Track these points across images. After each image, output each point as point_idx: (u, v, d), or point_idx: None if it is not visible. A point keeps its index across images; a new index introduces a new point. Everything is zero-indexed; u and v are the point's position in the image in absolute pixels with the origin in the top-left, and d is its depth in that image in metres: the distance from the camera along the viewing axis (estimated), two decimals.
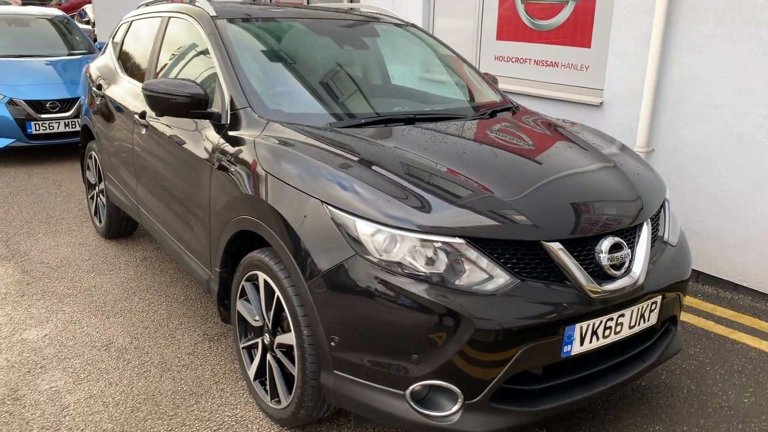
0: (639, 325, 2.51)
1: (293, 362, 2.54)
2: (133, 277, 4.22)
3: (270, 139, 2.71)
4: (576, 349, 2.33)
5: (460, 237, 2.19)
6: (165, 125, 3.43)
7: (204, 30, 3.36)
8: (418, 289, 2.14)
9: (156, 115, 3.09)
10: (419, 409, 2.22)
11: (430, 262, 2.18)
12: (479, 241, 2.21)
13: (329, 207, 2.31)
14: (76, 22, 7.98)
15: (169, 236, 3.55)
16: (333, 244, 2.28)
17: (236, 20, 3.45)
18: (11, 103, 6.93)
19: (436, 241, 2.19)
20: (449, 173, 2.47)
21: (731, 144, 4.02)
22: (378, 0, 6.47)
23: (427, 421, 2.22)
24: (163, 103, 2.98)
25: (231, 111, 2.98)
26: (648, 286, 2.48)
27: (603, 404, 2.96)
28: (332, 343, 2.30)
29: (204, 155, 3.02)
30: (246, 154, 2.73)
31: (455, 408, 2.21)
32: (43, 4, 31.53)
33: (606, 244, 2.38)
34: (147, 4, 4.58)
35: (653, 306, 2.54)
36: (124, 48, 4.50)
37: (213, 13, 3.45)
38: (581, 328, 2.30)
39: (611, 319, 2.38)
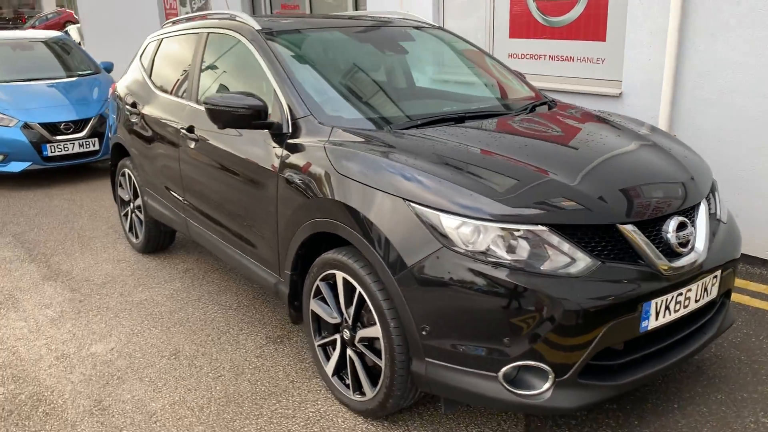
0: (703, 298, 2.67)
1: (377, 354, 2.66)
2: (181, 289, 4.31)
3: (340, 144, 2.83)
4: (652, 323, 2.47)
5: (542, 224, 2.33)
6: (219, 138, 3.53)
7: (252, 44, 3.48)
8: (507, 276, 2.27)
9: (218, 127, 3.20)
10: (512, 389, 2.35)
11: (514, 249, 2.31)
12: (560, 227, 2.35)
13: (413, 204, 2.43)
14: None
15: (227, 245, 3.65)
16: (419, 238, 2.40)
17: (281, 33, 3.57)
18: (26, 126, 6.97)
19: (519, 230, 2.32)
20: (519, 164, 2.61)
21: (749, 126, 4.20)
22: (385, 1, 6.61)
23: (520, 400, 2.35)
24: (225, 115, 3.10)
25: (292, 120, 3.10)
26: (709, 262, 2.64)
27: (663, 379, 3.10)
28: (423, 332, 2.43)
29: (268, 164, 3.13)
30: (317, 160, 2.85)
31: (546, 386, 2.34)
32: (16, 28, 31.46)
33: (673, 224, 2.53)
34: (174, 23, 4.68)
35: (714, 280, 2.70)
36: (156, 66, 4.59)
37: (258, 27, 3.57)
38: (656, 303, 2.44)
39: (680, 294, 2.53)
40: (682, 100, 4.52)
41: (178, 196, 4.14)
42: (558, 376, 2.33)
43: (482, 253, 2.32)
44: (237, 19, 3.77)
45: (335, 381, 2.98)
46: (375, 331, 2.63)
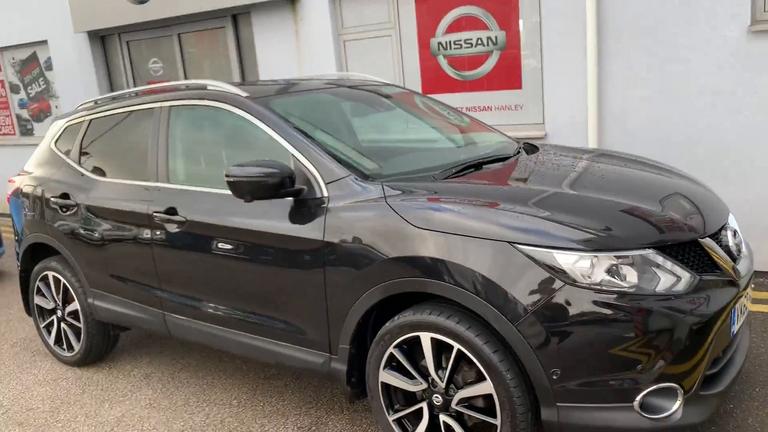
0: (749, 302, 2.91)
1: (486, 413, 2.54)
2: (159, 396, 3.76)
3: (405, 199, 2.70)
4: (735, 328, 2.64)
5: (648, 247, 2.41)
6: (221, 215, 3.19)
7: (248, 112, 3.23)
8: (630, 302, 2.30)
9: (245, 201, 2.91)
10: (648, 416, 2.35)
11: (627, 276, 2.35)
12: (662, 249, 2.44)
13: (521, 246, 2.39)
14: None
15: (244, 333, 3.26)
16: (537, 280, 2.35)
17: (270, 97, 3.38)
18: None
19: (628, 256, 2.37)
20: (597, 197, 2.68)
21: (676, 151, 4.74)
22: (281, 66, 6.54)
23: (657, 424, 2.36)
24: (252, 186, 2.84)
25: (327, 182, 2.91)
26: (750, 268, 2.90)
27: None
28: (554, 377, 2.36)
29: (306, 234, 2.88)
30: (383, 219, 2.68)
31: (677, 404, 2.37)
32: None
33: (729, 233, 2.76)
34: (96, 102, 4.23)
35: (752, 284, 2.96)
36: (87, 150, 4.07)
37: (245, 94, 3.34)
38: (737, 308, 2.62)
39: (746, 297, 2.74)
40: (609, 134, 4.98)
41: (150, 290, 3.65)
42: (686, 393, 2.38)
43: (599, 284, 2.33)
44: (212, 88, 3.50)
45: None
46: (484, 387, 2.50)
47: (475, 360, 2.49)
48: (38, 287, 4.40)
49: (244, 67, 7.16)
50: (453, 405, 2.62)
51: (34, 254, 4.46)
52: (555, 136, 5.21)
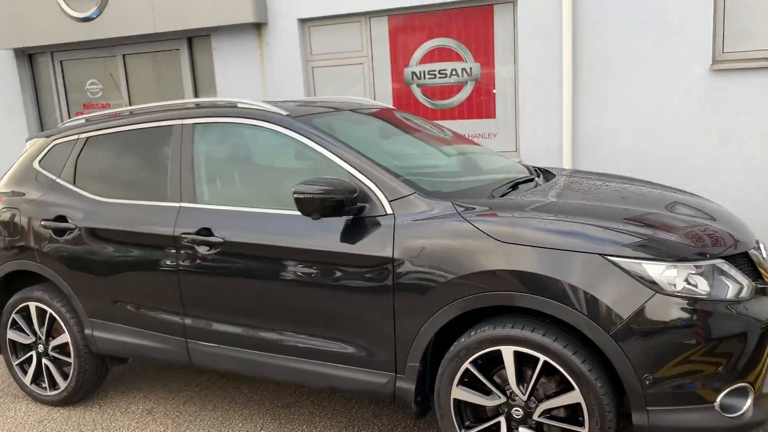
0: None
1: (571, 422, 2.61)
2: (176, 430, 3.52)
3: (482, 214, 2.76)
4: None
5: (719, 257, 2.61)
6: (270, 236, 3.09)
7: (292, 130, 3.17)
8: (713, 308, 2.48)
9: (313, 218, 2.86)
10: (726, 415, 2.53)
11: (699, 284, 2.54)
12: (727, 259, 2.66)
13: (612, 258, 2.51)
14: None
15: (287, 357, 3.14)
16: (629, 290, 2.48)
17: (308, 116, 3.34)
18: None
19: (702, 266, 2.56)
20: (657, 212, 2.88)
21: (644, 176, 5.12)
22: (232, 90, 6.42)
23: (732, 422, 2.53)
24: (320, 204, 2.80)
25: (390, 200, 2.91)
26: None
27: None
28: (647, 382, 2.48)
29: (371, 252, 2.85)
30: (462, 234, 2.71)
31: (749, 403, 2.56)
32: None
33: (762, 245, 3.04)
34: (89, 120, 3.97)
35: None
36: (85, 170, 3.79)
37: (285, 112, 3.29)
38: None
39: None
40: (582, 162, 5.30)
41: (171, 316, 3.43)
42: (755, 392, 2.58)
43: (681, 292, 2.50)
44: (243, 106, 3.41)
45: None
46: (572, 397, 2.58)
47: (563, 370, 2.56)
48: (13, 320, 3.99)
49: (198, 91, 6.95)
50: (535, 417, 2.67)
51: (6, 285, 4.06)
52: (529, 162, 5.47)
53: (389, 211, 2.90)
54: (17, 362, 4.04)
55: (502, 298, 2.64)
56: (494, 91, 5.63)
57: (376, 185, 2.96)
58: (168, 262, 3.36)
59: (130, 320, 3.58)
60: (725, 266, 2.60)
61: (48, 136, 4.06)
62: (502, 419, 2.75)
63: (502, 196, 3.07)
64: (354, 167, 3.02)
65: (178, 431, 3.52)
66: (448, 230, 2.76)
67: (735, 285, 2.59)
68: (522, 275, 2.59)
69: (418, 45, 5.80)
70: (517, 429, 2.72)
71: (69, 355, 3.84)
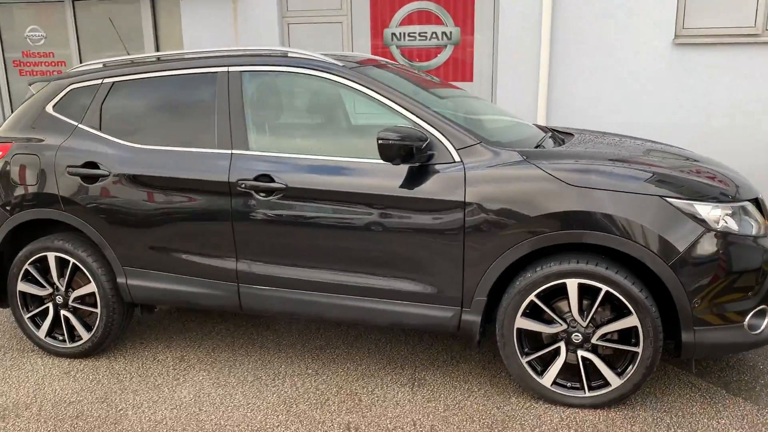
0: None
1: (624, 342, 3.01)
2: (218, 376, 3.57)
3: (552, 160, 3.05)
4: None
5: (746, 200, 3.08)
6: (339, 181, 3.22)
7: (357, 81, 3.29)
8: (751, 242, 2.94)
9: (394, 164, 3.03)
10: (751, 332, 3.01)
11: (730, 223, 2.99)
12: (751, 202, 3.13)
13: (669, 199, 2.90)
14: None
15: (351, 297, 3.30)
16: (684, 227, 2.88)
17: (365, 67, 3.47)
18: None
19: (736, 207, 3.01)
20: (689, 161, 3.30)
21: None
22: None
23: (755, 338, 3.02)
24: (401, 150, 2.99)
25: (458, 148, 3.13)
26: None
27: None
28: (695, 306, 2.90)
29: (444, 196, 3.06)
30: (535, 179, 2.99)
31: (766, 322, 3.07)
32: None
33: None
34: (120, 64, 3.84)
35: None
36: (113, 116, 3.69)
37: (341, 63, 3.39)
38: None
39: None
40: (557, 125, 5.72)
41: (222, 261, 3.47)
42: None
43: (721, 228, 2.93)
44: (294, 55, 3.47)
45: (556, 388, 3.13)
46: (630, 321, 2.96)
47: (623, 299, 2.93)
48: (26, 272, 3.84)
49: (160, 46, 6.70)
50: (593, 340, 3.03)
51: (16, 235, 3.89)
52: None
53: (457, 158, 3.12)
54: (29, 315, 3.90)
55: (573, 237, 2.96)
56: (473, 55, 5.92)
57: (443, 135, 3.16)
58: (221, 208, 3.40)
59: (171, 267, 3.58)
60: (750, 208, 3.06)
61: (63, 80, 3.88)
62: (561, 344, 3.09)
63: (547, 147, 3.37)
64: (420, 118, 3.20)
65: (221, 376, 3.59)
66: (521, 176, 3.03)
67: (755, 224, 3.06)
68: (593, 215, 2.92)
69: (400, 6, 5.96)
70: (575, 352, 3.07)
71: (94, 306, 3.77)
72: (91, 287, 3.73)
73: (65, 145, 3.71)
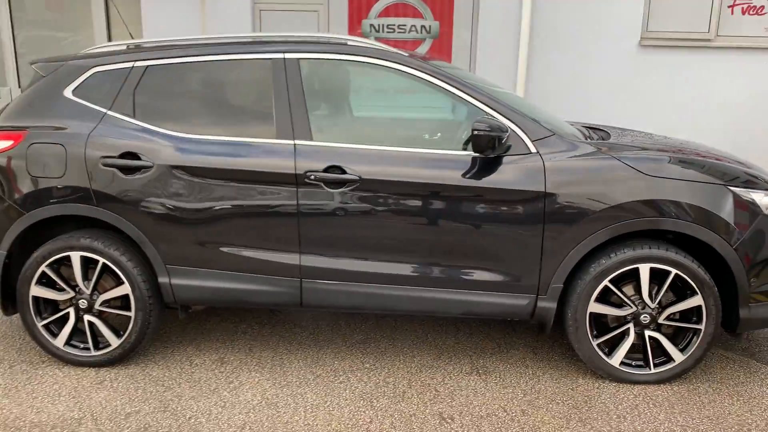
0: None
1: (685, 319, 3.26)
2: (273, 377, 3.43)
3: (625, 152, 3.23)
4: None
5: None
6: (411, 174, 3.19)
7: (425, 72, 3.29)
8: None
9: (485, 154, 3.10)
10: None
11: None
12: None
13: (732, 188, 3.17)
14: None
15: (423, 288, 3.29)
16: (744, 213, 3.17)
17: (427, 59, 3.47)
18: None
19: None
20: (725, 157, 3.60)
21: None
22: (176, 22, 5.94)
23: None
24: (492, 141, 3.07)
25: (533, 140, 3.23)
26: None
27: None
28: (752, 283, 3.20)
29: (526, 186, 3.14)
30: (612, 170, 3.15)
31: None
32: None
33: None
34: (159, 47, 3.54)
35: None
36: (150, 103, 3.41)
37: (406, 53, 3.37)
38: None
39: None
40: None
41: (283, 256, 3.32)
42: None
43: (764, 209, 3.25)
44: (356, 43, 3.40)
45: (623, 368, 3.32)
46: (695, 301, 3.20)
47: (690, 280, 3.17)
48: (42, 274, 3.46)
49: (112, 35, 6.20)
50: (660, 320, 3.25)
51: (27, 234, 3.50)
52: None
53: (533, 150, 3.21)
54: (43, 323, 3.52)
55: (650, 224, 3.15)
56: (452, 49, 6.04)
57: (518, 126, 3.24)
58: (285, 201, 3.26)
59: (224, 264, 3.38)
60: None
61: (79, 62, 3.52)
62: (630, 325, 3.28)
63: (600, 139, 3.55)
64: (494, 110, 3.26)
65: (276, 375, 3.45)
66: (600, 166, 3.18)
67: None
68: (667, 203, 3.12)
69: None
70: (642, 332, 3.28)
71: (125, 309, 3.47)
72: (124, 289, 3.44)
73: (95, 133, 3.38)
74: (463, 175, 3.19)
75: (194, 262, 3.40)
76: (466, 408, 3.13)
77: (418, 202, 3.22)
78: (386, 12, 5.98)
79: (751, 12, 5.88)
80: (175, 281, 3.42)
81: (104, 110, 3.43)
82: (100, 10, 6.16)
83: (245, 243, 3.35)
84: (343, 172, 3.22)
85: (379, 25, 5.98)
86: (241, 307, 4.02)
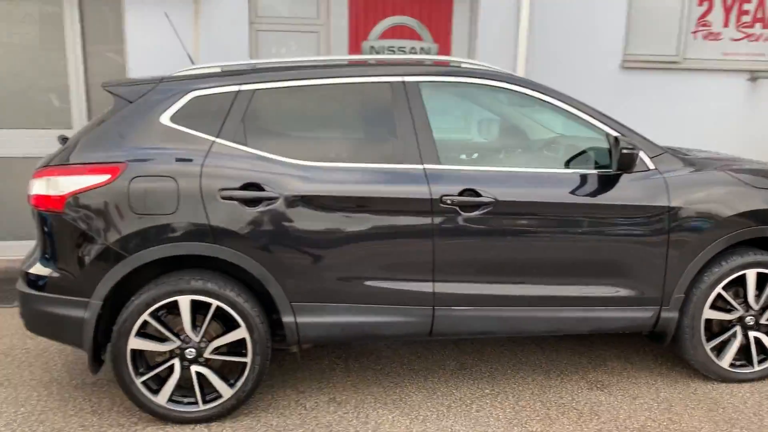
0: None
1: None
2: (430, 408, 3.29)
3: (733, 167, 3.48)
4: None
5: None
6: (545, 195, 3.23)
7: (541, 92, 3.36)
8: None
9: (627, 173, 3.21)
10: None
11: None
12: None
13: None
14: None
15: (553, 308, 3.31)
16: None
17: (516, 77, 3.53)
18: None
19: None
20: None
21: None
22: (167, 41, 5.55)
23: None
24: (633, 160, 3.18)
25: (651, 157, 3.38)
26: None
27: None
28: None
29: (653, 201, 3.27)
30: (727, 183, 3.40)
31: None
32: None
33: None
34: (258, 69, 3.28)
35: None
36: (262, 129, 3.16)
37: (521, 75, 3.41)
38: None
39: None
40: None
41: (417, 284, 3.20)
42: None
43: None
44: (470, 66, 3.39)
45: (731, 368, 3.54)
46: None
47: None
48: (143, 324, 3.08)
49: (88, 53, 5.63)
50: (763, 320, 3.52)
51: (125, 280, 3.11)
52: None
53: (652, 166, 3.37)
54: (142, 379, 3.12)
55: (759, 232, 3.41)
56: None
57: (638, 145, 3.38)
58: (421, 227, 3.16)
59: (354, 297, 3.20)
60: None
61: (173, 86, 3.20)
62: (737, 328, 3.52)
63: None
64: (614, 129, 3.38)
65: (406, 410, 3.31)
66: (714, 180, 3.40)
67: None
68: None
69: (379, 20, 5.91)
70: (746, 333, 3.52)
71: (240, 355, 3.18)
72: (240, 333, 3.14)
73: (209, 163, 3.07)
74: (595, 194, 3.27)
75: (323, 297, 3.18)
76: (615, 423, 3.18)
77: (552, 222, 3.25)
78: (387, 34, 5.95)
79: (710, 38, 6.53)
80: (301, 319, 3.18)
81: (212, 138, 3.13)
82: (75, 28, 5.58)
83: (377, 273, 3.19)
84: (478, 195, 3.18)
85: (380, 47, 5.93)
86: (367, 341, 3.83)
